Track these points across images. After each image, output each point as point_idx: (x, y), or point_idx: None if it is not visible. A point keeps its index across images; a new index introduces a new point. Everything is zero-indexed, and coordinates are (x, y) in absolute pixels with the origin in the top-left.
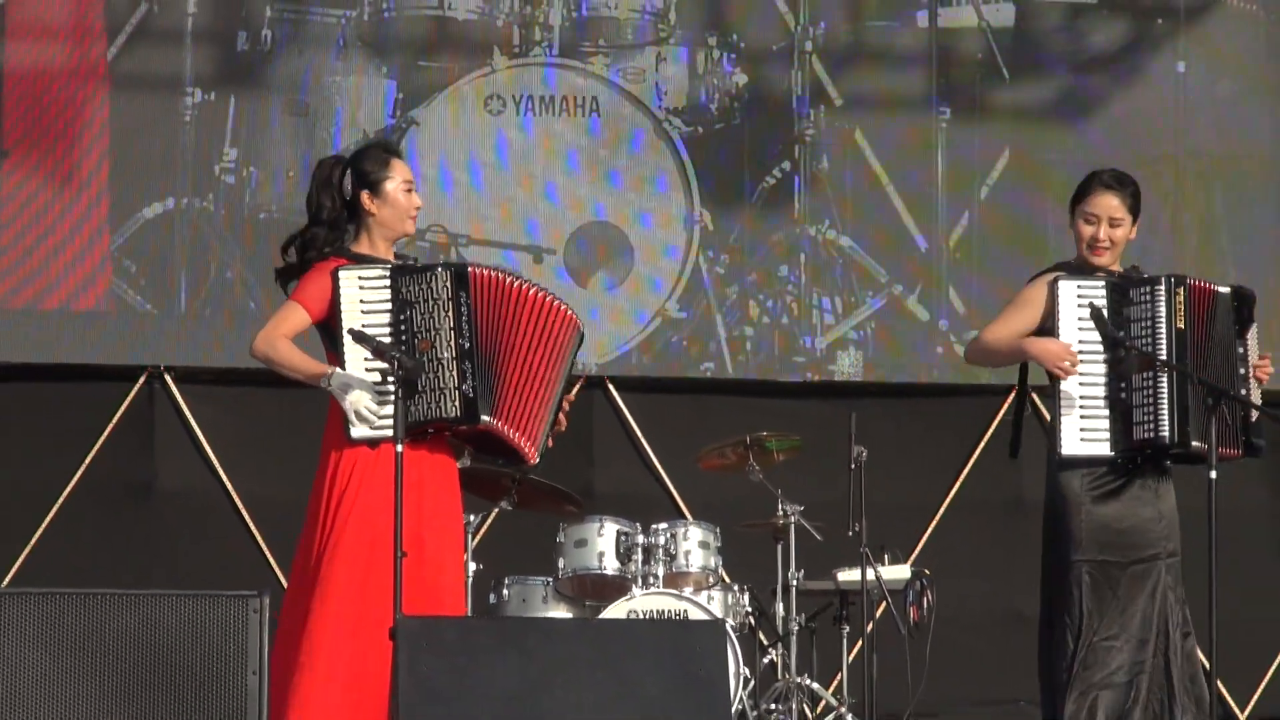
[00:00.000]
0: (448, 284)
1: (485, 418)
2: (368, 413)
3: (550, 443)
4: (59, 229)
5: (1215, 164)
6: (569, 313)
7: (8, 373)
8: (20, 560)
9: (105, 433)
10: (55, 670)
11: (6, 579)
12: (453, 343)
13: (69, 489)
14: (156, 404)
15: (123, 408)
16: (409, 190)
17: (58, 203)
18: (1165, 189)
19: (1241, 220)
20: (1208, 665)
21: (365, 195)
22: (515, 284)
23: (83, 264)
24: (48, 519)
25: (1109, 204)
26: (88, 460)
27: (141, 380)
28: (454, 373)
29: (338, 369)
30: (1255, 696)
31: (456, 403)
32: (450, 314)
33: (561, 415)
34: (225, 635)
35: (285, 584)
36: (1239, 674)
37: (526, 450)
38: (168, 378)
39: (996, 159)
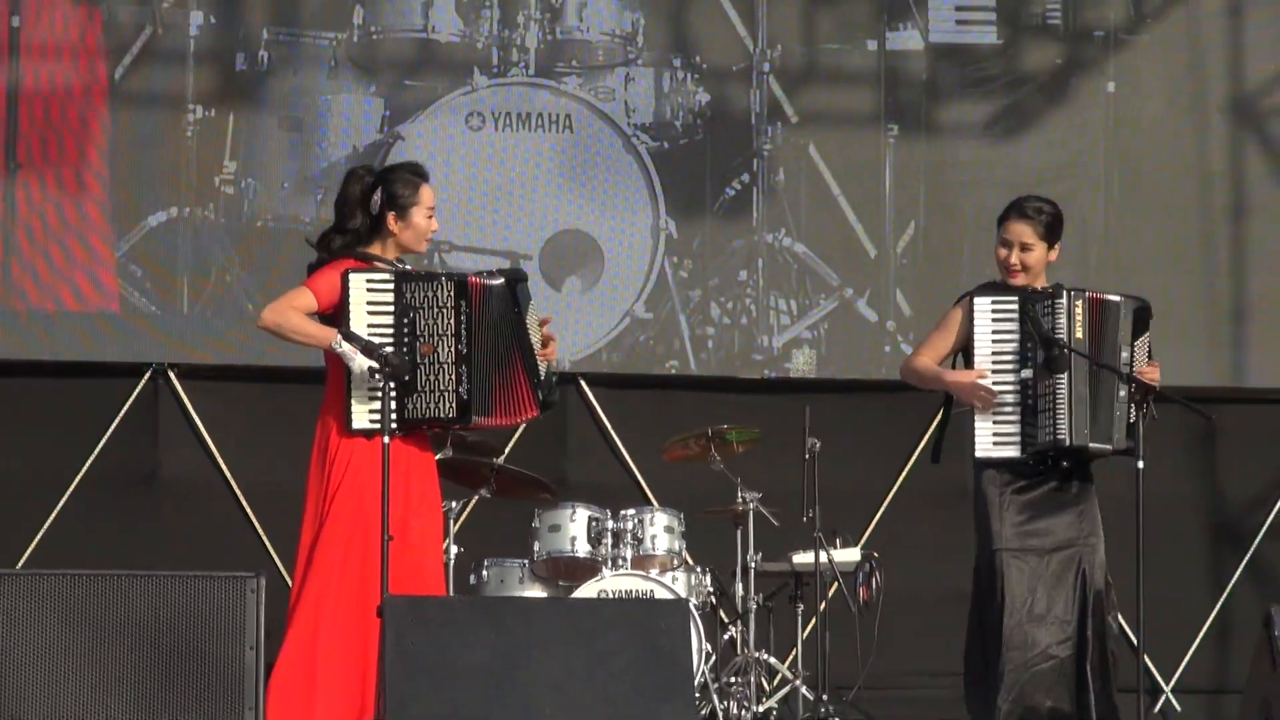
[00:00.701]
0: (450, 293)
1: (477, 418)
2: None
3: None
4: (70, 236)
5: (1142, 178)
6: (490, 283)
7: (22, 369)
8: (35, 543)
9: (113, 425)
10: (68, 644)
11: (22, 560)
12: (452, 348)
13: (79, 477)
14: (160, 399)
15: (129, 402)
16: (430, 216)
17: (69, 212)
18: (1096, 201)
19: (1165, 230)
20: (1135, 641)
21: (391, 216)
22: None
23: (92, 268)
24: (60, 505)
25: (1020, 230)
26: (97, 451)
27: (146, 376)
28: (452, 376)
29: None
30: (1179, 669)
31: (453, 405)
32: (451, 321)
33: (544, 355)
34: (224, 613)
35: (280, 565)
36: (1165, 649)
37: (520, 421)
38: (171, 374)
39: (940, 172)
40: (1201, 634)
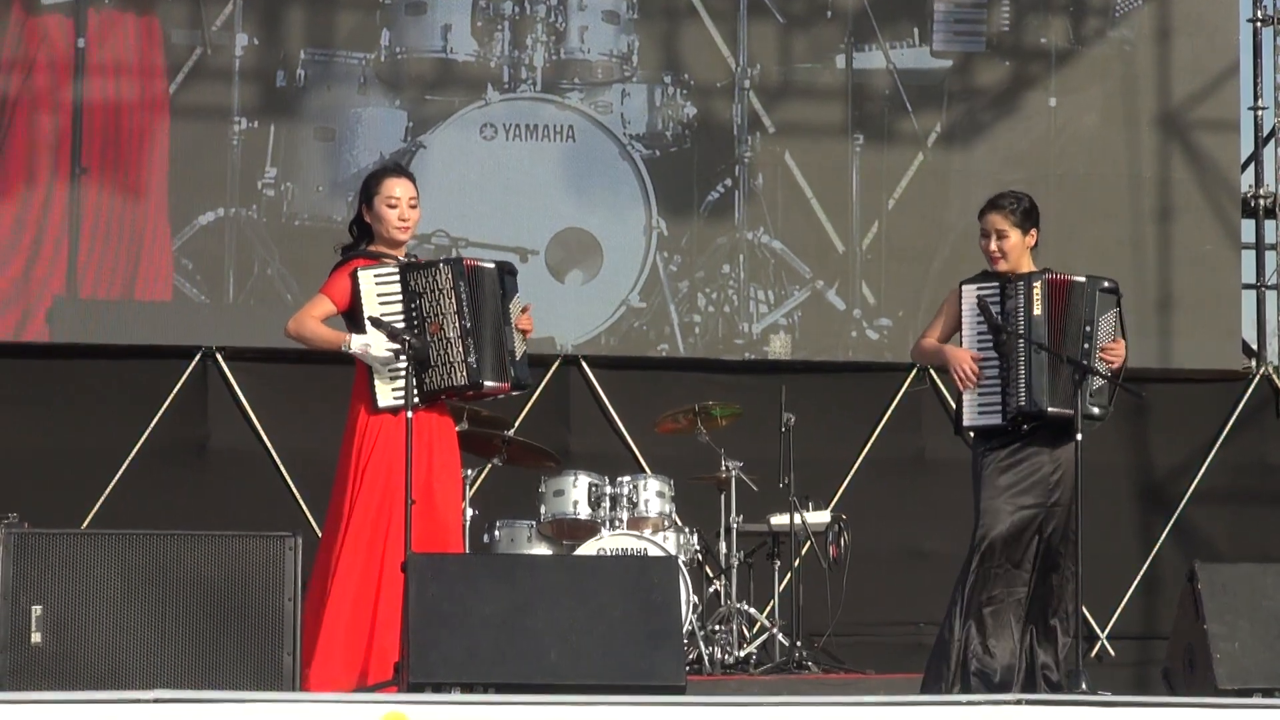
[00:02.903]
0: (449, 276)
1: (488, 383)
2: (387, 355)
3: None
4: (129, 233)
5: (1081, 184)
6: (481, 265)
7: (87, 351)
8: (97, 506)
9: (167, 401)
10: (127, 597)
11: (86, 521)
12: (457, 324)
13: (137, 448)
14: (209, 378)
15: (181, 381)
16: (393, 205)
17: (128, 211)
18: (1040, 203)
19: (1100, 230)
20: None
21: (364, 208)
22: (474, 265)
23: (149, 262)
24: (120, 472)
25: (995, 220)
26: (153, 425)
27: (197, 359)
28: (459, 349)
29: (353, 335)
30: (1113, 618)
31: (464, 373)
32: (453, 300)
33: (521, 328)
34: (266, 568)
35: (316, 527)
36: (1100, 600)
37: (504, 389)
38: (219, 356)
39: (901, 177)
40: (1133, 587)
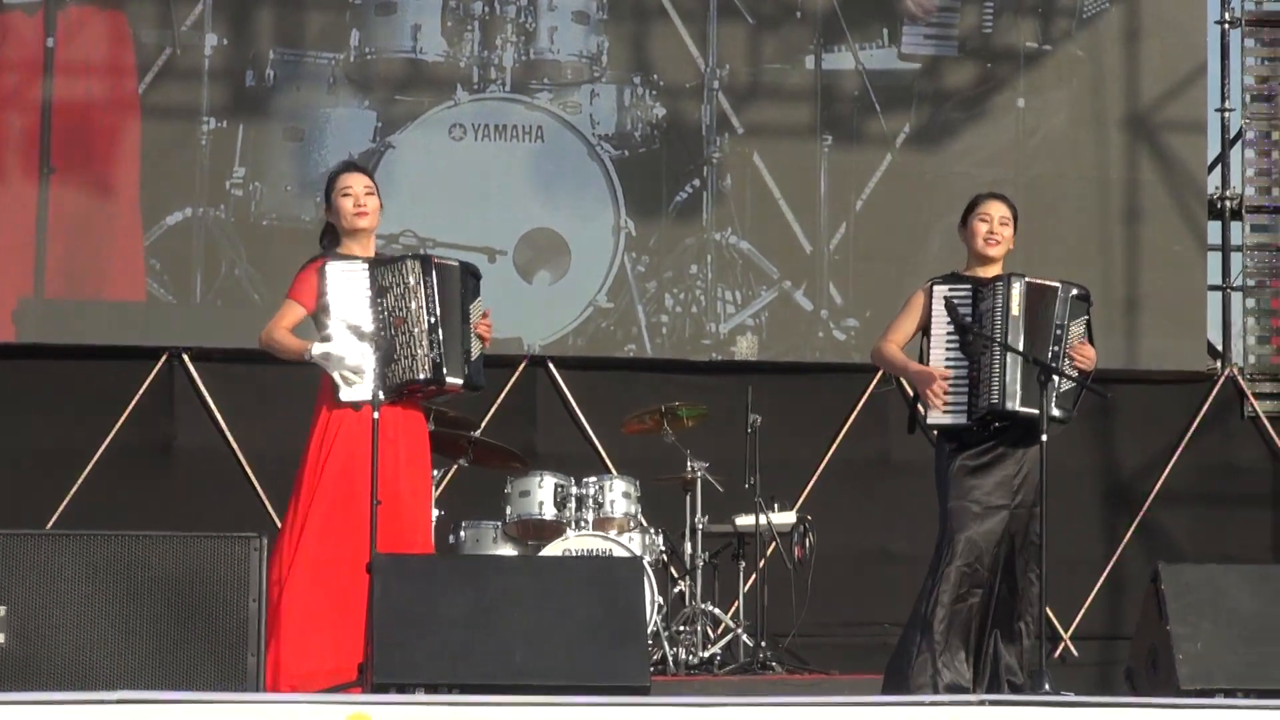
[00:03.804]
0: (417, 271)
1: (450, 379)
2: (349, 371)
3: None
4: (97, 232)
5: (1048, 183)
6: (450, 262)
7: (54, 352)
8: (62, 507)
9: (133, 401)
10: (92, 597)
11: (51, 521)
12: (423, 319)
13: (103, 448)
14: (176, 378)
15: (148, 381)
16: (347, 194)
17: (97, 211)
18: None
19: (1068, 231)
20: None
21: (326, 210)
22: (440, 262)
23: (116, 262)
24: (86, 472)
25: (998, 207)
26: (119, 425)
27: (164, 359)
28: (424, 343)
29: (314, 343)
30: (1077, 619)
31: (427, 367)
32: (420, 295)
33: (480, 331)
34: (231, 569)
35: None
36: (1064, 600)
37: (459, 386)
38: (185, 357)
39: (869, 178)
40: (1097, 588)
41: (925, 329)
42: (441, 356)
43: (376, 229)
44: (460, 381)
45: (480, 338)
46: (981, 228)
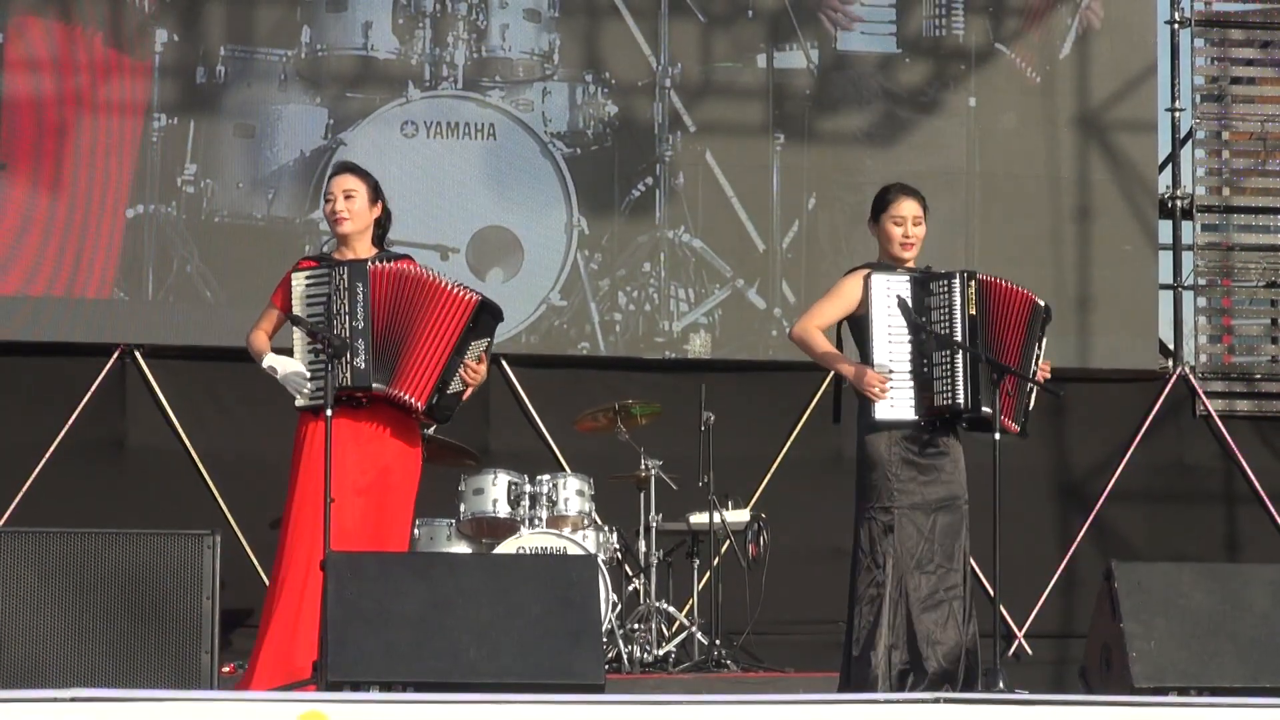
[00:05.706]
0: (345, 278)
1: (376, 385)
2: (297, 381)
3: (463, 398)
4: (48, 229)
5: (999, 182)
6: (461, 294)
7: (5, 348)
8: (14, 504)
9: (85, 399)
10: (44, 595)
11: (2, 520)
12: (347, 325)
13: (55, 446)
14: (128, 376)
15: (99, 378)
16: (328, 201)
17: (47, 207)
18: (959, 202)
19: (1019, 229)
20: (991, 592)
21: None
22: (415, 274)
23: (68, 259)
24: (37, 470)
25: (913, 207)
26: (70, 423)
27: (115, 356)
28: (358, 349)
29: (269, 354)
30: (1030, 617)
31: (349, 373)
32: (346, 301)
33: (465, 374)
34: (184, 567)
35: (234, 525)
36: (1018, 599)
37: (413, 404)
38: (137, 354)
39: (822, 176)
40: (1050, 586)
41: (855, 319)
42: (365, 362)
43: (366, 230)
44: (404, 394)
45: (464, 378)
46: (896, 232)
